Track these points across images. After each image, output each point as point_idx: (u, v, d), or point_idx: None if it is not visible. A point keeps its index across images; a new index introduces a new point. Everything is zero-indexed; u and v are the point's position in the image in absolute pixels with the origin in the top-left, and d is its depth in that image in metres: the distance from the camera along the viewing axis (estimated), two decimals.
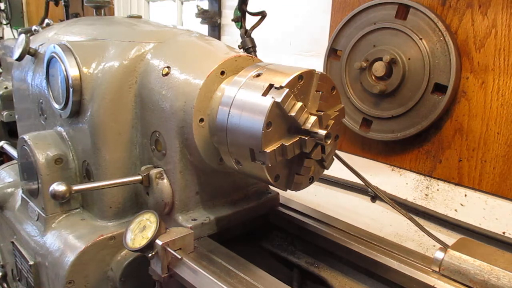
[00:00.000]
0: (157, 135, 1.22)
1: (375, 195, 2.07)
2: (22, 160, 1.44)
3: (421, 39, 1.75)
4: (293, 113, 0.96)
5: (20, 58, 1.49)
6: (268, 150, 0.95)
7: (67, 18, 2.98)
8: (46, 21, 1.80)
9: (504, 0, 1.59)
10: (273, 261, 1.39)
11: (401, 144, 1.94)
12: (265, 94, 0.96)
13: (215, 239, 1.21)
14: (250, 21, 1.66)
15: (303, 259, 1.36)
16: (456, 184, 1.82)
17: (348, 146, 2.15)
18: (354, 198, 2.19)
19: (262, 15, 1.67)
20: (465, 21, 1.70)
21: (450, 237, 1.83)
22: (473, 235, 1.74)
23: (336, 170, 1.28)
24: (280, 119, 0.96)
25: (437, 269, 1.09)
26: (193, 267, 1.05)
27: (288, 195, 1.36)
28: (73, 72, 1.25)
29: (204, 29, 2.98)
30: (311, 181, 1.11)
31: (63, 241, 1.30)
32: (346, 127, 2.04)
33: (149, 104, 1.23)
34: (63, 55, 1.27)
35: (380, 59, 1.83)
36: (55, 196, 1.13)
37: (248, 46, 1.61)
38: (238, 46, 1.62)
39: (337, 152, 1.24)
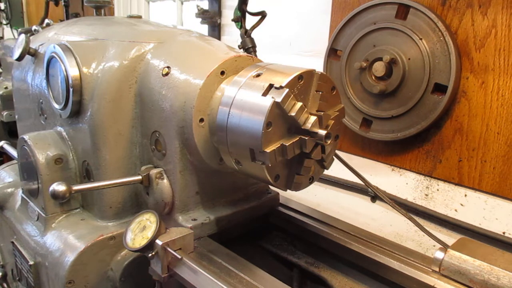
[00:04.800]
0: (157, 135, 1.22)
1: (375, 195, 2.07)
2: (22, 160, 1.44)
3: (421, 39, 1.75)
4: (293, 113, 0.96)
5: (20, 58, 1.49)
6: (268, 150, 0.95)
7: (67, 18, 2.98)
8: (46, 21, 1.80)
9: (504, 0, 1.59)
10: (273, 261, 1.39)
11: (401, 144, 1.94)
12: (265, 94, 0.96)
13: (215, 239, 1.21)
14: (250, 21, 1.66)
15: (303, 259, 1.36)
16: (456, 184, 1.82)
17: (348, 146, 2.15)
18: (354, 198, 2.19)
19: (262, 15, 1.67)
20: (465, 21, 1.70)
21: (450, 237, 1.83)
22: (473, 235, 1.74)
23: (336, 170, 1.28)
24: (280, 119, 0.96)
25: (437, 269, 1.09)
26: (193, 267, 1.05)
27: (288, 195, 1.36)
28: (73, 72, 1.25)
29: (204, 29, 2.97)
30: (311, 181, 1.11)
31: (63, 241, 1.30)
32: (346, 127, 2.04)
33: (149, 104, 1.23)
34: (63, 55, 1.27)
35: (380, 59, 1.83)
36: (55, 196, 1.13)
37: (248, 46, 1.61)
38: (238, 46, 1.62)
39: (337, 152, 1.24)
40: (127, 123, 1.28)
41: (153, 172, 1.23)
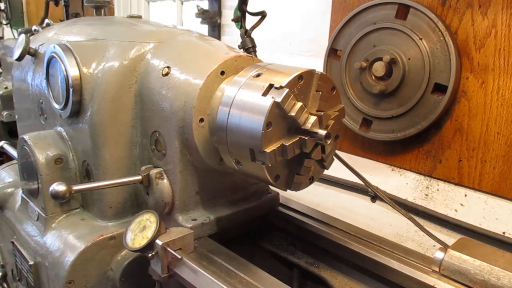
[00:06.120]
0: (157, 135, 1.22)
1: (375, 195, 2.07)
2: (22, 160, 1.44)
3: (421, 39, 1.75)
4: (293, 113, 0.96)
5: (20, 58, 1.49)
6: (268, 150, 0.95)
7: (67, 18, 2.98)
8: (46, 21, 1.80)
9: (504, 0, 1.59)
10: (273, 261, 1.39)
11: (401, 144, 1.94)
12: (265, 94, 0.96)
13: (215, 239, 1.21)
14: (250, 21, 1.66)
15: (303, 259, 1.36)
16: (456, 184, 1.82)
17: (348, 146, 2.15)
18: (354, 198, 2.19)
19: (262, 15, 1.67)
20: (465, 21, 1.70)
21: (450, 237, 1.83)
22: (473, 235, 1.74)
23: (336, 170, 1.28)
24: (280, 119, 0.96)
25: (437, 269, 1.09)
26: (193, 267, 1.05)
27: (288, 195, 1.36)
28: (73, 72, 1.25)
29: (204, 29, 2.97)
30: (311, 181, 1.11)
31: (63, 241, 1.30)
32: (346, 127, 2.04)
33: (149, 104, 1.23)
34: (63, 55, 1.27)
35: (380, 59, 1.83)
36: (55, 196, 1.13)
37: (248, 46, 1.61)
38: (238, 46, 1.62)
39: (337, 152, 1.24)
40: (127, 123, 1.28)
41: (153, 172, 1.23)
